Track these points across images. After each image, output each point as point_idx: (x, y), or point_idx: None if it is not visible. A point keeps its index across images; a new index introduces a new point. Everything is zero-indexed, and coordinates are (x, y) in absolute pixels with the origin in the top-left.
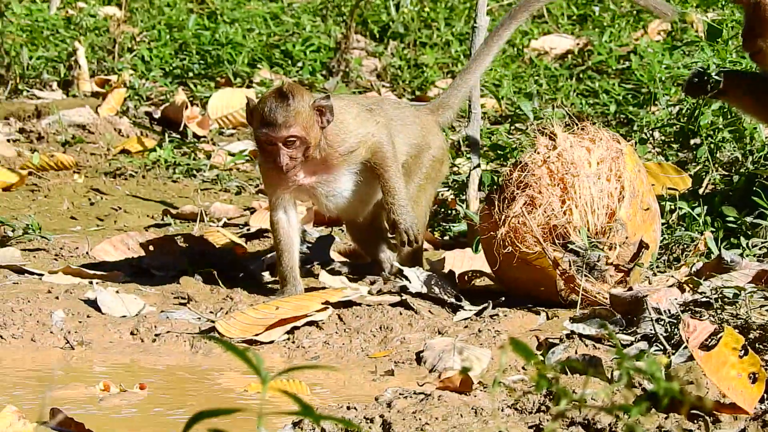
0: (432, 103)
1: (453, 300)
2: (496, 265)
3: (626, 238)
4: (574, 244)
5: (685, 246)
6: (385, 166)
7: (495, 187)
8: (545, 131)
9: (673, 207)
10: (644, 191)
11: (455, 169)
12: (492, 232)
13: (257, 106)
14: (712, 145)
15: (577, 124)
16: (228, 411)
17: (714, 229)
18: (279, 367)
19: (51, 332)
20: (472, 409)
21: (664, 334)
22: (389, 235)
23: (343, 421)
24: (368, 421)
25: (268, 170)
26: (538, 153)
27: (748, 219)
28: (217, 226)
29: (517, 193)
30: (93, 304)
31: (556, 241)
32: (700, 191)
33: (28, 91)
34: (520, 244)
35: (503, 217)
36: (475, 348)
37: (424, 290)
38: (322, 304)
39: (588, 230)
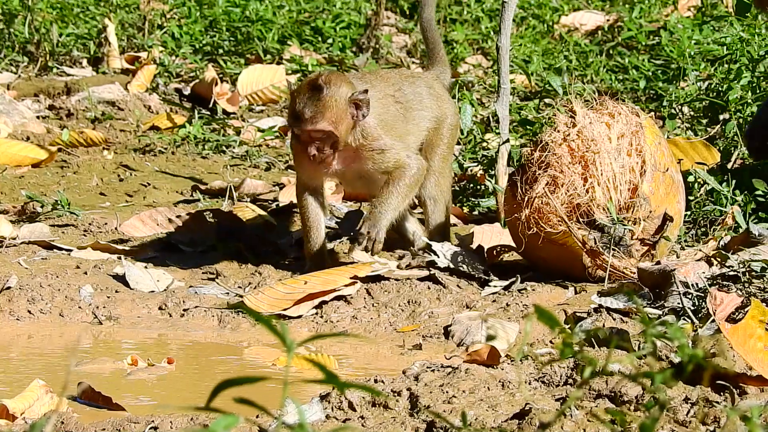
0: (434, 68)
1: (481, 274)
2: (522, 246)
3: (650, 212)
4: (598, 221)
5: (713, 220)
6: (397, 183)
7: (517, 167)
8: (565, 108)
9: (701, 181)
10: (665, 163)
11: (484, 144)
12: (516, 214)
13: (293, 93)
14: (740, 120)
15: (596, 99)
16: (253, 379)
17: (742, 204)
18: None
19: (79, 307)
20: (499, 381)
21: (692, 308)
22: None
23: (367, 388)
24: (395, 394)
25: (300, 152)
26: (558, 131)
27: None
28: (246, 201)
29: (539, 174)
30: (121, 279)
31: (581, 220)
32: (729, 165)
33: (57, 68)
34: (544, 224)
35: (526, 199)
36: (503, 322)
37: (452, 265)
38: (351, 278)
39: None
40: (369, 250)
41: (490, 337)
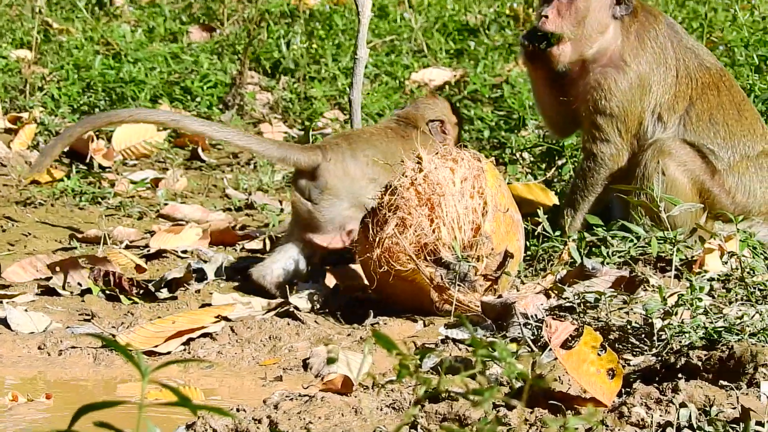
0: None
1: (336, 311)
2: (374, 283)
3: (492, 249)
4: (444, 259)
5: (551, 256)
6: None
7: (368, 211)
8: (412, 155)
9: (539, 221)
10: (506, 204)
11: None
12: (368, 254)
13: None
14: (575, 164)
15: (440, 147)
16: (111, 404)
17: (577, 240)
18: (175, 375)
19: None
20: (353, 408)
21: (531, 337)
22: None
23: (218, 410)
24: (256, 421)
25: None
26: (406, 176)
27: (602, 233)
28: (120, 248)
29: (389, 216)
30: (3, 321)
31: (428, 258)
32: None
33: None
34: (394, 262)
35: (377, 239)
36: (356, 353)
37: (310, 303)
38: (215, 318)
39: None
40: None
41: (330, 360)
